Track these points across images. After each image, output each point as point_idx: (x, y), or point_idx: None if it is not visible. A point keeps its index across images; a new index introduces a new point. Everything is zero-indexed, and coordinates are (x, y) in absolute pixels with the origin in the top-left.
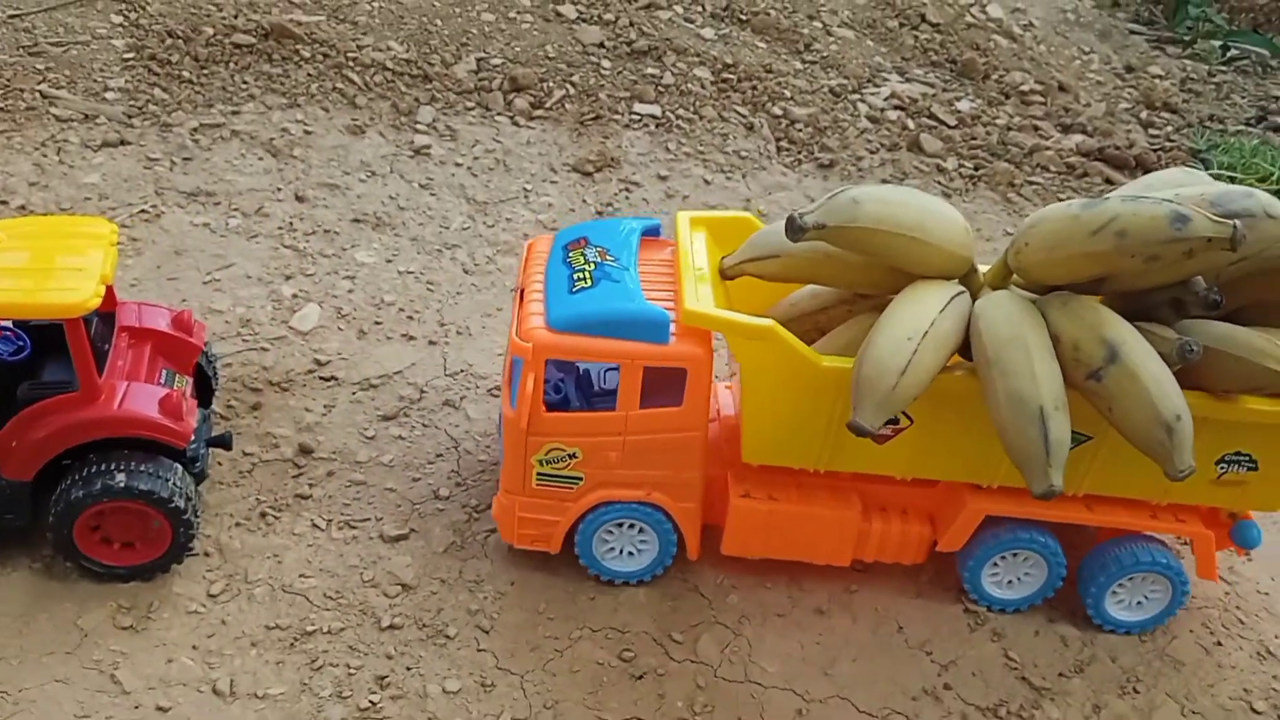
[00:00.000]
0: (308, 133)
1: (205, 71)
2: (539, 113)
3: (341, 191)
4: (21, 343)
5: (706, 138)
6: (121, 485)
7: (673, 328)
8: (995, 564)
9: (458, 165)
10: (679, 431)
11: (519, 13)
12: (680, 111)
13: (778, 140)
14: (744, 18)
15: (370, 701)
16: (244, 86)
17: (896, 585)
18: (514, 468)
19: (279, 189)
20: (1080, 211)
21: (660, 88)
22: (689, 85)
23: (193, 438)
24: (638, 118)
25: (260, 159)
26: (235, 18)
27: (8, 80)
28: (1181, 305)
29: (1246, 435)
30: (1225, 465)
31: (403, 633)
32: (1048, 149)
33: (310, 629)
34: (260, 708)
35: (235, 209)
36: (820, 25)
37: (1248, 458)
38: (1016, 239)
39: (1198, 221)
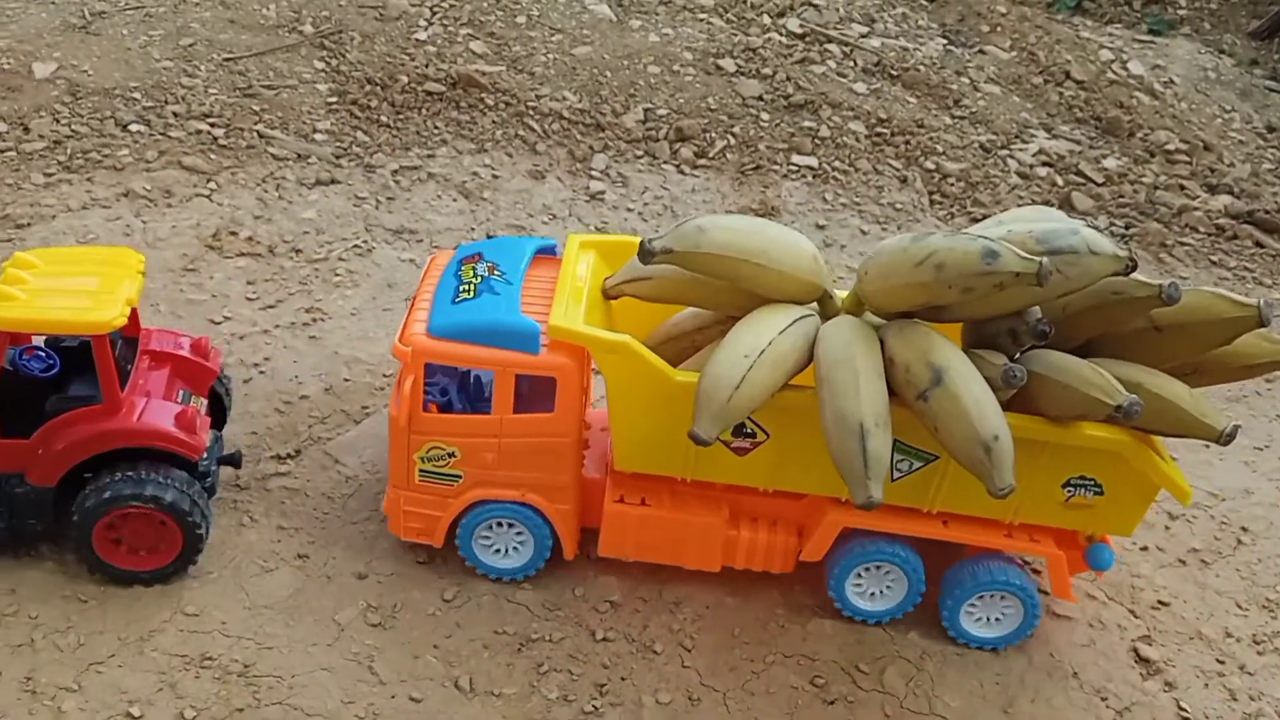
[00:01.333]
0: (495, 176)
1: (400, 117)
2: (702, 162)
3: (528, 232)
4: (51, 361)
5: (862, 189)
6: (137, 492)
7: (544, 339)
8: (859, 575)
9: (629, 210)
10: (551, 436)
11: (682, 66)
12: (836, 163)
13: (930, 194)
14: (894, 73)
15: (593, 706)
16: (436, 131)
17: (1067, 632)
18: (399, 464)
19: (472, 228)
20: (909, 245)
21: (817, 140)
22: (844, 138)
23: (204, 453)
24: (795, 168)
25: (454, 200)
26: (426, 67)
27: (229, 120)
28: (1017, 335)
29: (1090, 460)
30: (1072, 489)
31: (614, 645)
32: (1196, 209)
33: (534, 636)
34: (497, 704)
35: (435, 246)
36: (968, 81)
37: (1093, 482)
38: (860, 268)
39: (1006, 258)
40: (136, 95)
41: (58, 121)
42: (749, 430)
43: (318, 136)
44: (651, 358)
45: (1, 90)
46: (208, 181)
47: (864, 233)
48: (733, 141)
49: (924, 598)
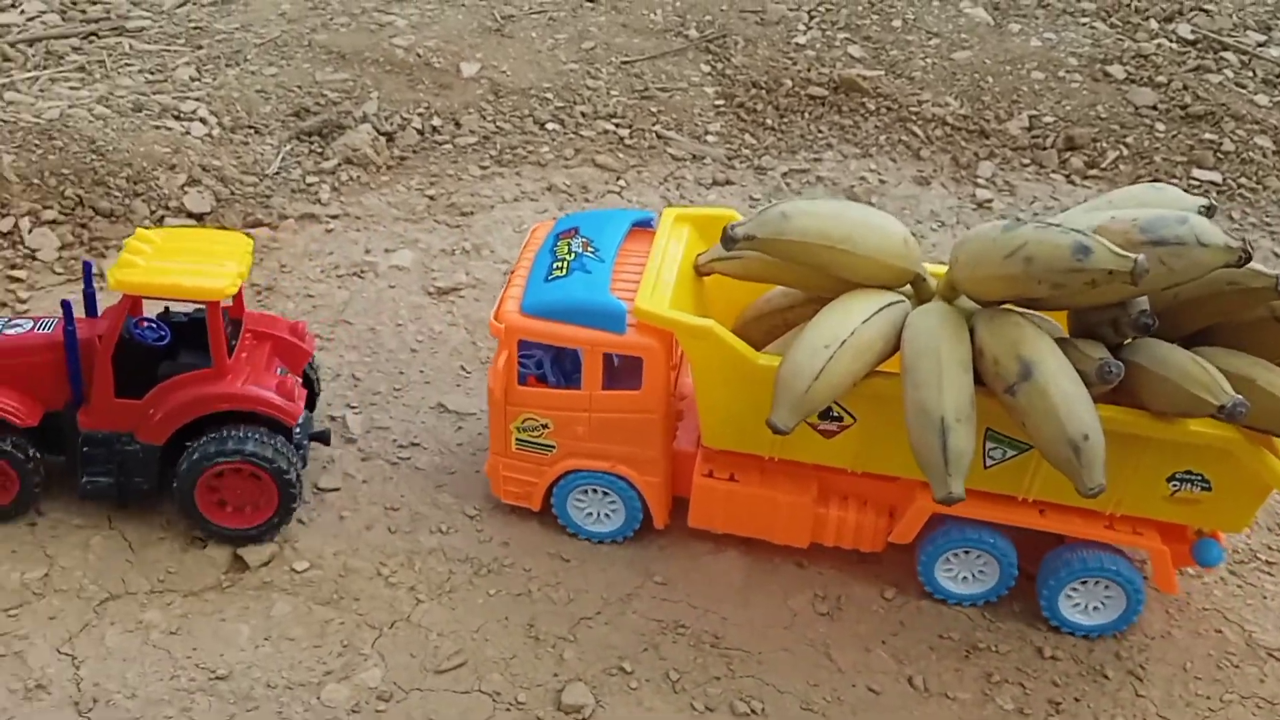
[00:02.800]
0: (881, 181)
1: (785, 120)
2: (1093, 172)
3: (919, 239)
4: (162, 332)
5: (1273, 210)
6: (240, 449)
7: (631, 319)
8: (949, 560)
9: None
10: (640, 412)
11: (1067, 72)
12: (1242, 180)
13: None
14: None
15: None
16: (820, 135)
17: None
18: (498, 432)
19: None
20: (999, 235)
21: (1219, 154)
22: (1250, 153)
23: (299, 421)
24: (1197, 183)
25: None
26: (808, 71)
27: (631, 121)
28: (1119, 326)
29: (1196, 456)
30: (1178, 483)
31: (1062, 664)
32: None
33: (980, 645)
34: (953, 708)
35: None
36: None
37: (1200, 478)
38: (951, 253)
39: (1099, 254)
40: (549, 95)
41: (484, 118)
42: (835, 414)
43: (709, 138)
44: (734, 341)
45: (435, 87)
46: (617, 179)
47: (1276, 255)
48: (1125, 152)
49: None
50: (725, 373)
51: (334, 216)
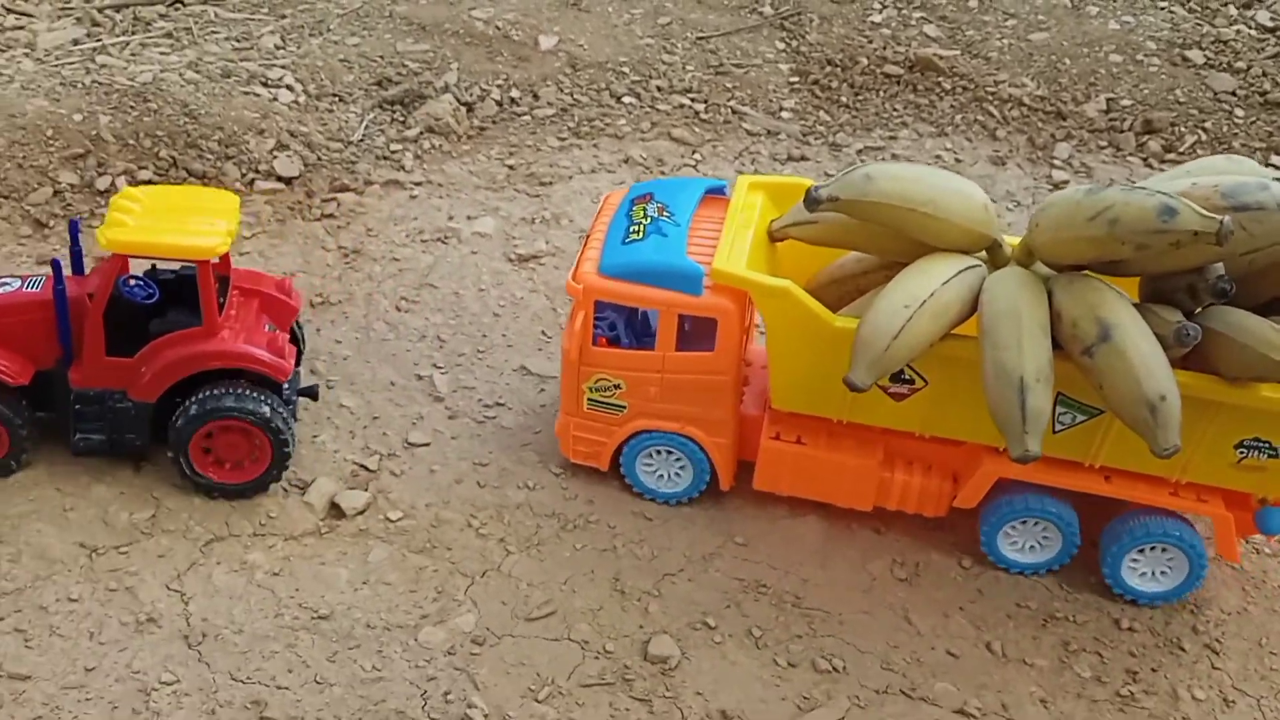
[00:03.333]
0: (958, 160)
1: (860, 98)
2: (1171, 156)
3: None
4: (151, 290)
5: None
6: (233, 405)
7: (707, 281)
8: (1012, 528)
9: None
10: (711, 374)
11: (1145, 55)
12: None
13: None
14: None
15: (1128, 691)
16: (895, 114)
17: None
18: (569, 392)
19: None
20: (1083, 198)
21: None
22: None
23: (289, 376)
24: (1275, 170)
25: None
26: (884, 49)
27: (706, 96)
28: (1196, 292)
29: (1266, 422)
30: (1245, 450)
31: (1139, 636)
32: None
33: (1057, 615)
34: (1031, 674)
35: None
36: None
37: (1269, 445)
38: (1032, 218)
39: (1185, 215)
40: (625, 69)
41: (561, 91)
42: (907, 376)
43: (784, 114)
44: (811, 302)
45: (514, 60)
46: (693, 153)
47: None
48: (1204, 137)
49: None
50: (800, 333)
51: (417, 183)
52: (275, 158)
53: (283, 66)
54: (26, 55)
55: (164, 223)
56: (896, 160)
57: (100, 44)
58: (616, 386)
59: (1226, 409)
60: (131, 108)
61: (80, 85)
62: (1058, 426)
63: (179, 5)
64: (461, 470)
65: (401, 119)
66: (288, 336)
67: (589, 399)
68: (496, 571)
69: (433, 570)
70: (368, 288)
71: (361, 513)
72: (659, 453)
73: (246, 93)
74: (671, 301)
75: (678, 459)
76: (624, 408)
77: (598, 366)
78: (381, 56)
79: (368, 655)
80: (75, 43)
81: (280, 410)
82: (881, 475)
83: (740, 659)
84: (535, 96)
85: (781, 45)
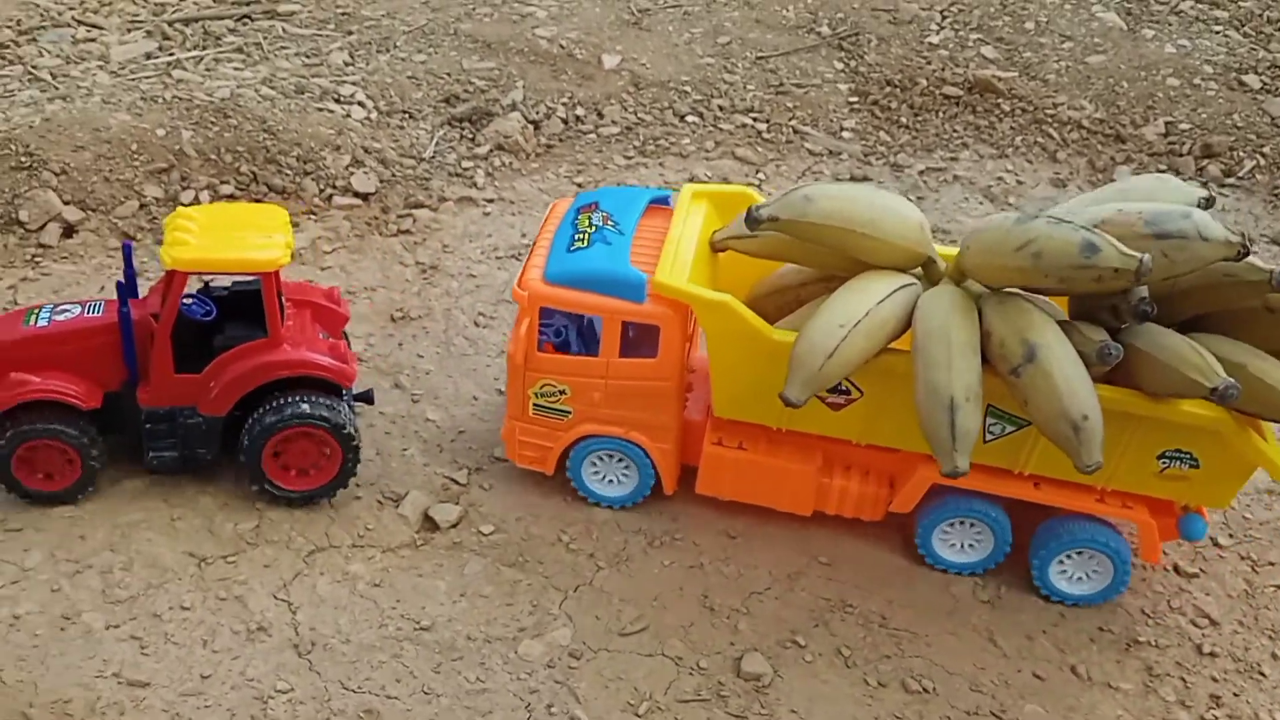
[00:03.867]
0: (1019, 182)
1: (919, 119)
2: (1230, 181)
3: None
4: (209, 307)
5: None
6: (306, 412)
7: (650, 289)
8: (946, 529)
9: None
10: (654, 380)
11: (1203, 80)
12: None
13: None
14: None
15: (1213, 716)
16: (956, 134)
17: None
18: (515, 397)
19: None
20: (1011, 227)
21: None
22: None
23: (354, 381)
24: (1202, 189)
25: (981, 203)
26: (942, 70)
27: (768, 116)
28: (1119, 312)
29: (1186, 435)
30: (1167, 461)
31: (1220, 661)
32: None
33: (1139, 639)
34: (1116, 697)
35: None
36: None
37: (1189, 456)
38: (963, 240)
39: (1106, 253)
40: (687, 88)
41: (625, 109)
42: (844, 388)
43: (845, 134)
44: (750, 316)
45: (578, 78)
46: (756, 172)
47: None
48: (1263, 162)
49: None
50: (739, 346)
51: (489, 200)
52: (352, 174)
53: (353, 83)
54: (101, 68)
55: (223, 239)
56: (958, 182)
57: (174, 58)
58: (561, 392)
59: (1148, 422)
60: (212, 123)
61: (161, 100)
62: (988, 436)
63: (247, 20)
64: (548, 485)
65: (470, 136)
66: (347, 344)
67: (534, 404)
68: (589, 586)
69: (527, 584)
70: (446, 303)
71: (454, 525)
72: (604, 457)
73: (321, 109)
74: (615, 309)
75: (623, 463)
76: (569, 413)
77: (543, 372)
78: (448, 74)
79: (471, 667)
80: (148, 56)
81: (348, 415)
82: (820, 480)
83: (831, 678)
84: (600, 115)
85: (840, 65)
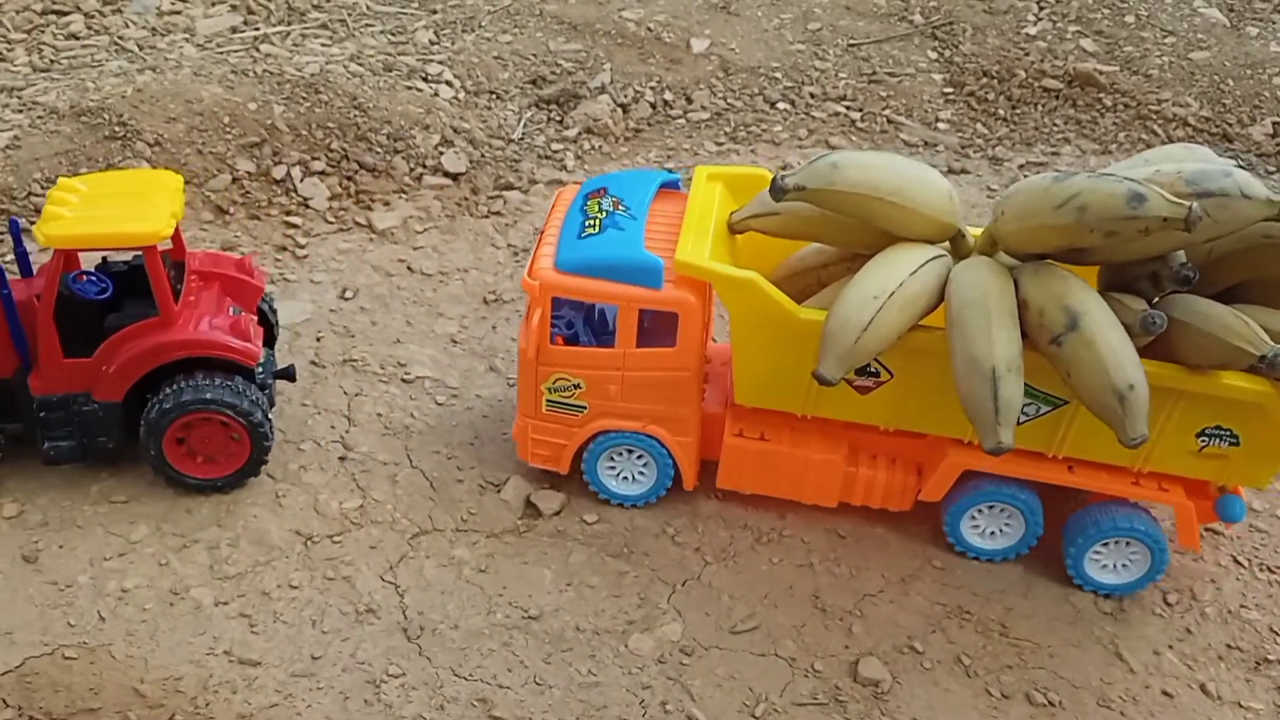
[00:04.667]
0: None
1: (1018, 112)
2: None
3: None
4: (104, 284)
5: None
6: (206, 397)
7: (667, 275)
8: (975, 514)
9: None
10: (673, 370)
11: None
12: None
13: None
14: None
15: None
16: (1056, 129)
17: None
18: (527, 393)
19: None
20: (1050, 184)
21: None
22: None
23: (260, 362)
24: (1231, 158)
25: None
26: (1042, 62)
27: (861, 104)
28: (1158, 279)
29: (1227, 410)
30: (1206, 439)
31: None
32: None
33: (1269, 657)
34: (1246, 716)
35: None
36: None
37: (1229, 433)
38: (996, 206)
39: (1153, 201)
40: (778, 75)
41: (714, 94)
42: (873, 369)
43: (940, 125)
44: (777, 294)
45: (666, 62)
46: None
47: None
48: None
49: (1041, 540)
50: (765, 326)
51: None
52: (442, 153)
53: (440, 62)
54: (187, 40)
55: (103, 211)
56: None
57: (260, 33)
58: (576, 386)
59: (1188, 397)
60: (303, 98)
61: (252, 74)
62: (1021, 418)
63: None
64: None
65: (558, 119)
66: (254, 318)
67: (548, 400)
68: (696, 581)
69: (633, 576)
70: None
71: (557, 513)
72: (621, 454)
73: (409, 87)
74: (631, 296)
75: (640, 459)
76: (584, 408)
77: (556, 366)
78: (534, 55)
79: (581, 659)
80: (234, 30)
81: (252, 397)
82: (846, 470)
83: (952, 686)
84: (689, 100)
85: (934, 55)
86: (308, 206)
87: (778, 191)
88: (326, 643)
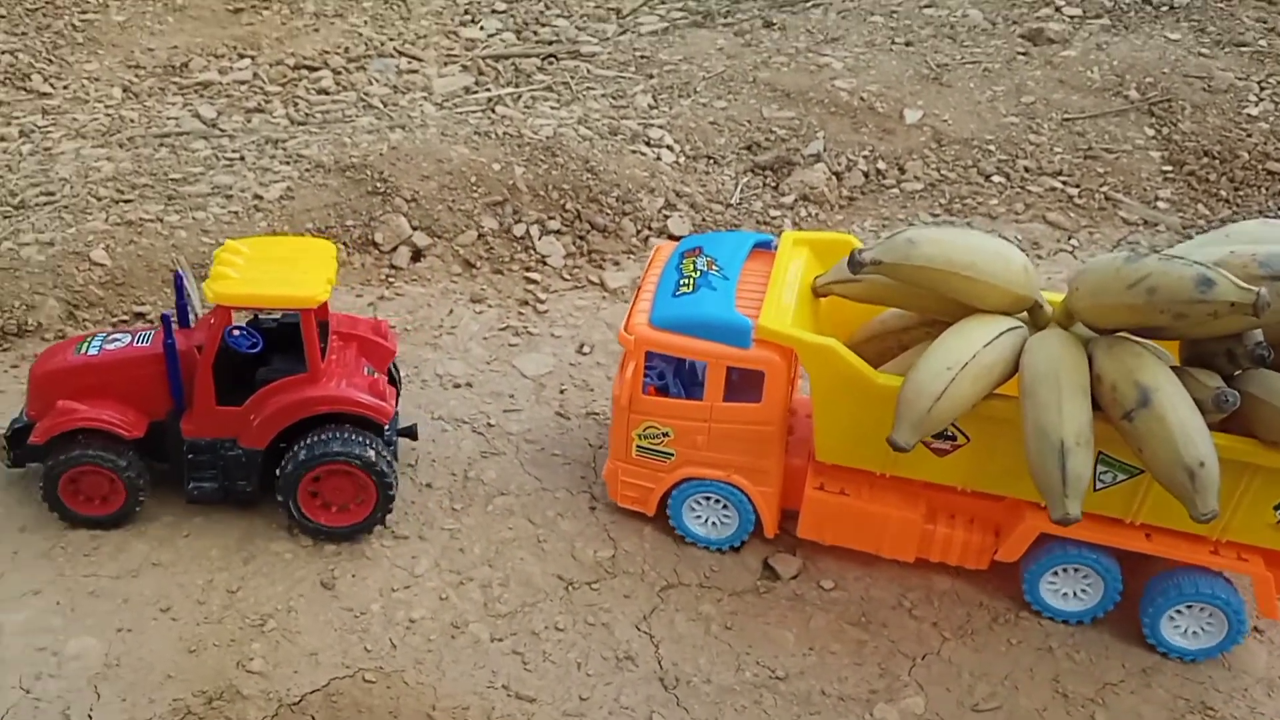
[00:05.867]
0: None
1: (1240, 194)
2: None
3: None
4: (254, 339)
5: None
6: (339, 450)
7: (755, 334)
8: (1054, 576)
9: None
10: (757, 424)
11: None
12: None
13: None
14: None
15: None
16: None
17: None
18: (619, 439)
19: None
20: (1122, 265)
21: None
22: None
23: (391, 419)
24: None
25: None
26: (1265, 144)
27: (1078, 181)
28: (1235, 357)
29: None
30: None
31: None
32: None
33: None
34: None
35: None
36: None
37: None
38: (1071, 281)
39: (1222, 287)
40: (991, 148)
41: (928, 165)
42: (949, 434)
43: (1160, 204)
44: (854, 360)
45: (878, 131)
46: (1069, 238)
47: None
48: None
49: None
50: (844, 390)
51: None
52: (667, 216)
53: (660, 126)
54: (425, 99)
55: (267, 274)
56: None
57: (491, 94)
58: (665, 434)
59: (1264, 472)
60: (541, 160)
61: (493, 136)
62: (1099, 484)
63: (552, 60)
64: None
65: (774, 185)
66: (386, 379)
67: (638, 445)
68: (936, 656)
69: (873, 646)
70: None
71: (794, 577)
72: (704, 500)
73: (634, 151)
74: (720, 354)
75: (723, 506)
76: (672, 455)
77: (647, 414)
78: (749, 121)
79: None
80: (467, 90)
81: (383, 453)
82: (924, 528)
83: None
84: (901, 169)
85: (1151, 132)
86: (545, 263)
87: (855, 266)
88: (592, 685)
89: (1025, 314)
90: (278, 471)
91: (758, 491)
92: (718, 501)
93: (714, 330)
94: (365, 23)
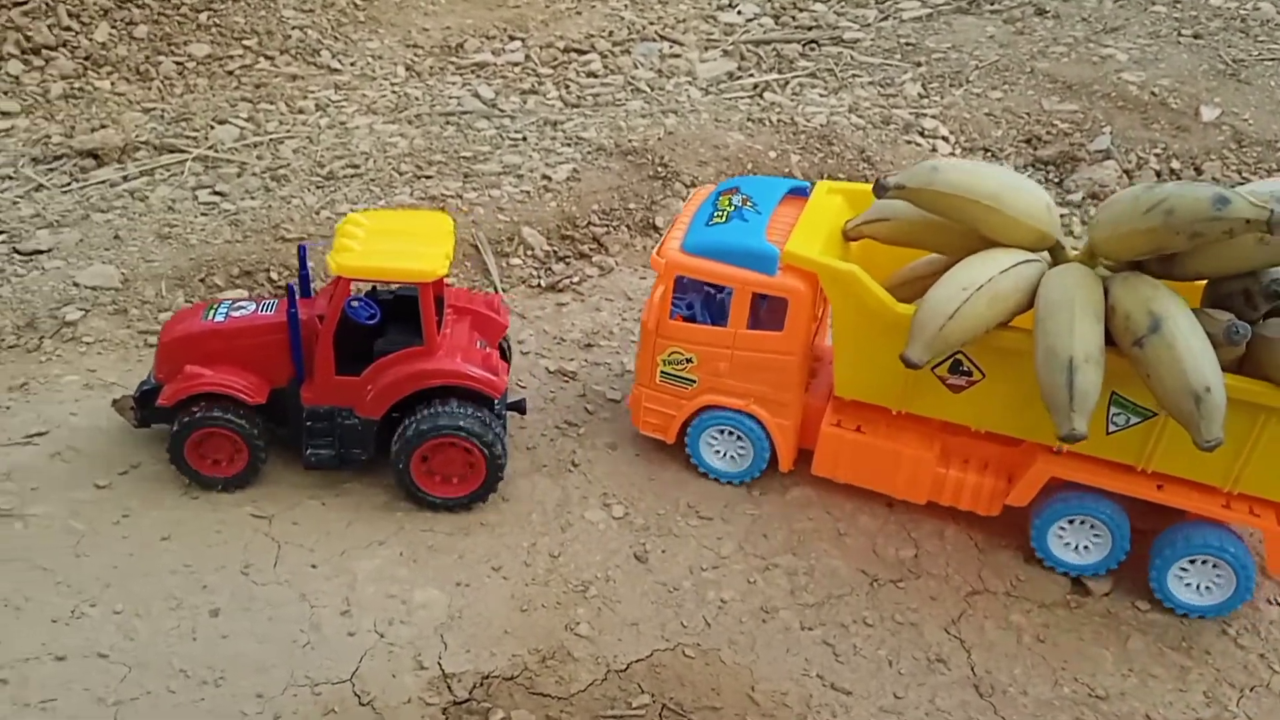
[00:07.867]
0: None
1: None
2: None
3: None
4: (373, 310)
5: None
6: (455, 424)
7: (781, 263)
8: (1062, 528)
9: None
10: (779, 353)
11: None
12: None
13: None
14: None
15: None
16: None
17: None
18: (644, 364)
19: None
20: (1141, 193)
21: None
22: None
23: (503, 393)
24: None
25: None
26: None
27: None
28: (1251, 296)
29: None
30: None
31: None
32: None
33: None
34: None
35: None
36: None
37: None
38: (1093, 216)
39: (1237, 204)
40: None
41: (1227, 167)
42: (965, 368)
43: None
44: (875, 288)
45: (1172, 129)
46: None
47: None
48: None
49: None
50: (864, 318)
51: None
52: None
53: (933, 116)
54: (689, 83)
55: (387, 247)
56: None
57: (755, 80)
58: (688, 360)
59: (1278, 416)
60: (817, 149)
61: (766, 123)
62: (1111, 427)
63: (814, 46)
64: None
65: (1057, 180)
66: (498, 353)
67: (662, 371)
68: (1266, 689)
69: (1197, 674)
70: None
71: (1107, 594)
72: (721, 433)
73: (909, 141)
74: (746, 280)
75: (740, 441)
76: (694, 382)
77: (672, 339)
78: (1028, 113)
79: None
80: (731, 76)
81: (494, 427)
82: (937, 470)
83: None
84: (1198, 170)
85: None
86: None
87: (880, 189)
88: (905, 684)
89: (1046, 253)
90: (394, 441)
91: (775, 424)
92: (734, 435)
93: (741, 256)
94: (625, 6)
